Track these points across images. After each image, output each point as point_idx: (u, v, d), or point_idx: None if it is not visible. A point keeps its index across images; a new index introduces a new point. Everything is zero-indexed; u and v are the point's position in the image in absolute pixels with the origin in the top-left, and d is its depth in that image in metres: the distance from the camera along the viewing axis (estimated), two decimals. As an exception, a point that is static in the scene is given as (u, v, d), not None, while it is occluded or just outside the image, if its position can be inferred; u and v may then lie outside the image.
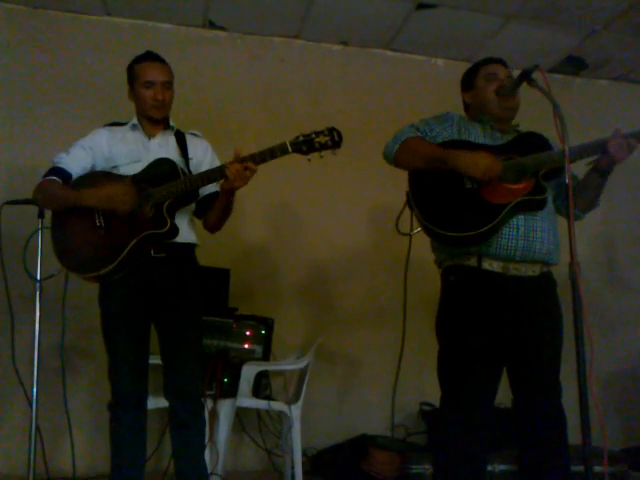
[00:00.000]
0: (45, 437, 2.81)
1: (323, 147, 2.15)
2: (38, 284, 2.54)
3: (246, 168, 2.14)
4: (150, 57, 2.40)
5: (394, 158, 2.23)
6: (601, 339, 3.82)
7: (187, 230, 2.38)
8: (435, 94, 3.87)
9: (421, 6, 3.62)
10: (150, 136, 2.42)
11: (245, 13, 3.72)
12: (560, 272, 2.03)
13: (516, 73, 2.13)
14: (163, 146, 2.41)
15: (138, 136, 2.41)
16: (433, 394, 2.48)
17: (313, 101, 3.94)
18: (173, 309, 2.32)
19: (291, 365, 3.31)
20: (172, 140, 2.43)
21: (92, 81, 3.63)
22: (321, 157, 2.17)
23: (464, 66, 2.46)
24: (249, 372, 3.07)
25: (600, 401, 1.76)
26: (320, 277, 3.82)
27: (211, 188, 2.40)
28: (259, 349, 3.22)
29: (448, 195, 2.13)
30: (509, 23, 3.76)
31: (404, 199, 2.25)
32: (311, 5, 3.64)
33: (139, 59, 2.41)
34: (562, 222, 2.05)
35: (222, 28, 3.86)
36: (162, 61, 2.41)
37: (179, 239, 2.30)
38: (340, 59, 4.05)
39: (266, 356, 3.24)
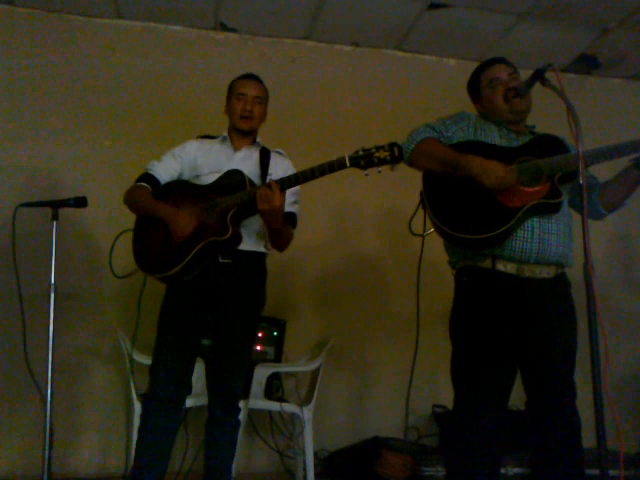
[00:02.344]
0: (58, 437, 2.82)
1: (382, 162, 2.13)
2: (52, 286, 2.55)
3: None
4: (248, 75, 2.56)
5: (409, 158, 2.21)
6: (617, 340, 3.78)
7: (256, 238, 2.44)
8: (446, 94, 3.84)
9: (433, 6, 3.61)
10: (236, 149, 2.51)
11: (256, 14, 3.72)
12: (576, 273, 2.01)
13: (528, 73, 2.11)
14: (247, 160, 2.49)
15: (225, 148, 2.52)
16: (446, 396, 2.47)
17: (324, 102, 3.93)
18: (231, 313, 2.38)
19: (303, 367, 3.31)
20: (256, 155, 2.51)
21: (105, 83, 3.64)
22: (379, 172, 2.16)
23: (476, 66, 2.44)
24: (261, 374, 3.08)
25: (615, 403, 1.74)
26: (332, 278, 3.81)
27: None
28: (271, 351, 3.23)
29: (462, 196, 2.11)
30: (521, 22, 3.73)
31: (417, 199, 2.24)
32: (322, 6, 3.63)
33: (239, 77, 2.56)
34: (579, 223, 2.02)
35: (233, 30, 3.87)
36: (259, 80, 2.55)
37: (246, 247, 2.37)
38: (351, 60, 4.04)
39: (278, 358, 3.24)
